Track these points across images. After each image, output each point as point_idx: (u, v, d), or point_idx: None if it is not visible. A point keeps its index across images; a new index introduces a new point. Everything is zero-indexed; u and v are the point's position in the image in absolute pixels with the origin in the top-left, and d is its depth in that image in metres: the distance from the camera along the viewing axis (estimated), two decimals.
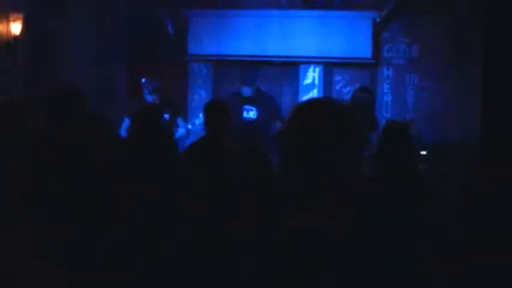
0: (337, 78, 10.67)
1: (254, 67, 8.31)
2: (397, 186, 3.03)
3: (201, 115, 8.63)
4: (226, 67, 10.76)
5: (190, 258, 2.53)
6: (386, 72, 10.43)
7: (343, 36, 10.20)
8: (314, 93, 10.43)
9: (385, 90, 10.41)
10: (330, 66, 10.60)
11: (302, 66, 10.58)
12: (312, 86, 10.54)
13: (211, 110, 5.88)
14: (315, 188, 1.96)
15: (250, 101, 8.00)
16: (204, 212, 2.62)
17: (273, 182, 2.93)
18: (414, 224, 2.84)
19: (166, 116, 8.16)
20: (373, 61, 10.30)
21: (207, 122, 5.77)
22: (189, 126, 8.55)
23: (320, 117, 2.00)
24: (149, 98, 8.17)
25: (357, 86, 8.71)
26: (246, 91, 7.96)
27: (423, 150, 8.07)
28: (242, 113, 8.01)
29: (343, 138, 1.98)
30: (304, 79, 10.58)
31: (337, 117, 2.01)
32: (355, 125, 2.02)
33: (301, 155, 1.95)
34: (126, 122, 7.95)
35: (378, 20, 10.17)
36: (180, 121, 8.42)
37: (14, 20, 8.30)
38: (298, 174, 1.98)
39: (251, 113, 8.05)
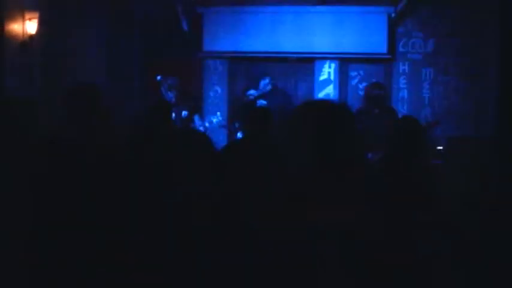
0: (353, 73, 10.65)
1: (263, 74, 8.48)
2: (408, 184, 3.02)
3: (218, 113, 8.67)
4: (242, 64, 10.76)
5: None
6: (402, 67, 10.39)
7: (359, 32, 10.19)
8: (330, 89, 10.42)
9: (401, 86, 10.38)
10: (345, 61, 10.58)
11: (318, 62, 10.57)
12: (327, 81, 10.53)
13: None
14: (331, 181, 1.98)
15: (263, 96, 8.09)
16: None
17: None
18: (420, 222, 2.83)
19: (185, 112, 8.17)
20: (389, 56, 10.27)
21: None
22: (206, 124, 8.51)
23: (337, 117, 2.05)
24: (166, 95, 8.18)
25: (370, 82, 8.73)
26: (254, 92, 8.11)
27: (439, 145, 8.05)
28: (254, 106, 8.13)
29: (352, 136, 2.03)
30: (319, 75, 10.57)
31: (348, 118, 2.06)
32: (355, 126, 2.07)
33: (319, 150, 1.99)
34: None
35: (393, 14, 10.14)
36: (196, 118, 8.40)
37: (29, 19, 8.35)
38: (316, 168, 2.01)
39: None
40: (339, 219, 1.94)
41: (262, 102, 8.21)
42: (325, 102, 2.22)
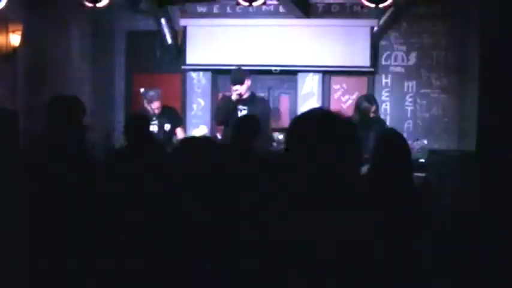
0: (336, 86, 10.70)
1: (243, 69, 8.34)
2: (392, 200, 3.01)
3: (201, 126, 8.64)
4: (225, 77, 10.77)
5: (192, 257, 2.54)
6: (385, 80, 10.46)
7: (342, 45, 10.23)
8: (313, 102, 10.45)
9: (384, 98, 10.44)
10: (328, 74, 10.63)
11: (301, 75, 10.61)
12: (310, 94, 10.56)
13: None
14: (322, 189, 2.00)
15: (243, 101, 8.00)
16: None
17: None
18: (410, 235, 2.84)
19: (168, 125, 8.15)
20: (372, 69, 10.32)
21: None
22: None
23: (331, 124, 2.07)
24: (148, 107, 8.14)
25: (360, 94, 8.76)
26: (236, 89, 7.95)
27: (421, 158, 8.07)
28: (237, 112, 7.99)
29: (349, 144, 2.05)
30: (302, 88, 10.60)
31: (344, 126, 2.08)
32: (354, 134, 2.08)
33: (311, 156, 2.00)
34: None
35: (375, 28, 10.20)
36: (179, 131, 8.37)
37: (13, 31, 8.34)
38: (308, 175, 2.02)
39: (243, 112, 8.03)
40: (332, 228, 1.95)
41: (241, 107, 8.06)
42: (325, 112, 2.23)
